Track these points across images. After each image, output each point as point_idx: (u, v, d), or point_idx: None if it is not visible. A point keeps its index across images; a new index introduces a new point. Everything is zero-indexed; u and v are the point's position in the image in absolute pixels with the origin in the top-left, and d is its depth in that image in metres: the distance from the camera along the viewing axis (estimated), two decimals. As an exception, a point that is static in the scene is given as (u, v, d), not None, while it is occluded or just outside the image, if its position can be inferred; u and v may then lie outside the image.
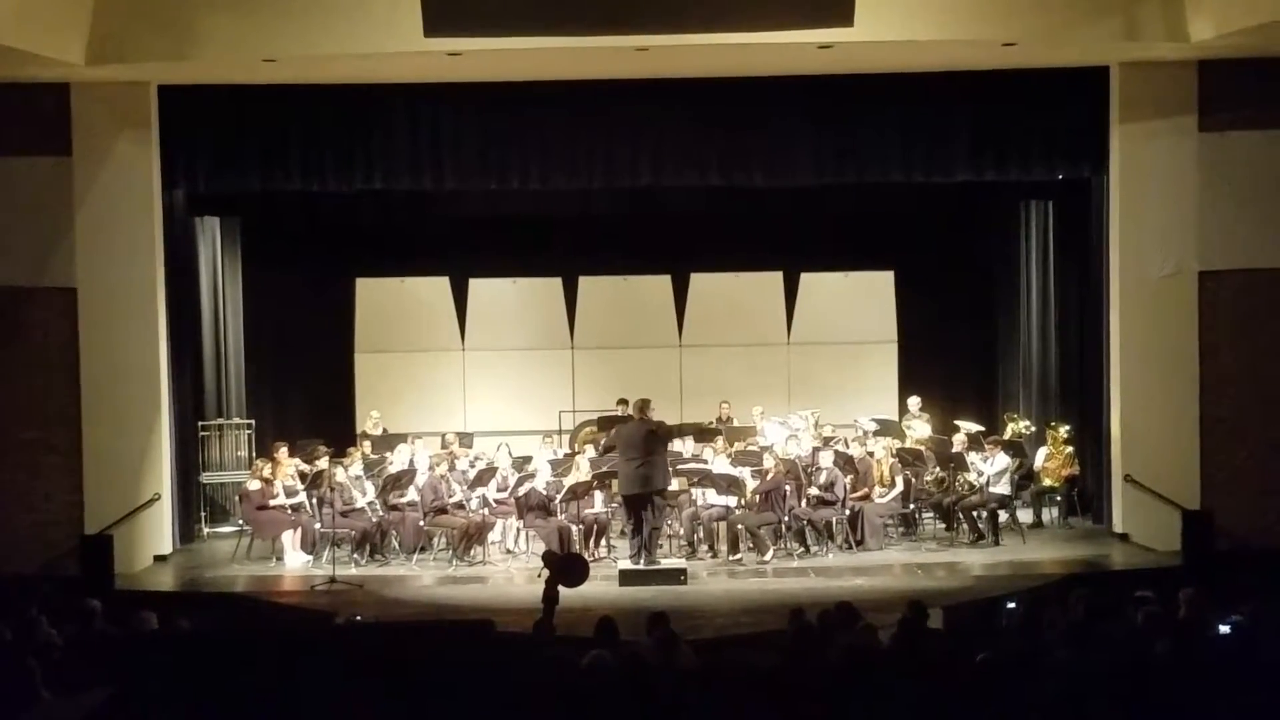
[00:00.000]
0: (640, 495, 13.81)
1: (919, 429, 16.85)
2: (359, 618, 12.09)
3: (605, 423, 16.05)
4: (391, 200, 17.27)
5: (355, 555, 14.96)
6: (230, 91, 15.17)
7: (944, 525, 15.75)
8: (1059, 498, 16.44)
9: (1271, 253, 15.03)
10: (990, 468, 15.33)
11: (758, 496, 14.81)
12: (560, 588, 5.49)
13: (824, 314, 18.43)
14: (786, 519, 14.83)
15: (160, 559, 15.20)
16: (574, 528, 14.75)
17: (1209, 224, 14.99)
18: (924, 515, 15.98)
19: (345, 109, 15.41)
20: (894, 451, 15.67)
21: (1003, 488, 15.37)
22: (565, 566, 5.59)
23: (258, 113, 15.36)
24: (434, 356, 18.39)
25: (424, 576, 14.45)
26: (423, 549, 15.00)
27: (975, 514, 15.36)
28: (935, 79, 15.18)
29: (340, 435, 17.08)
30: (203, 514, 16.77)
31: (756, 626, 11.77)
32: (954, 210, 17.96)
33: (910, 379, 18.15)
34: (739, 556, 14.67)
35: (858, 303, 18.50)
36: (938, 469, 15.84)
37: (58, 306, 15.05)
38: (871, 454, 15.64)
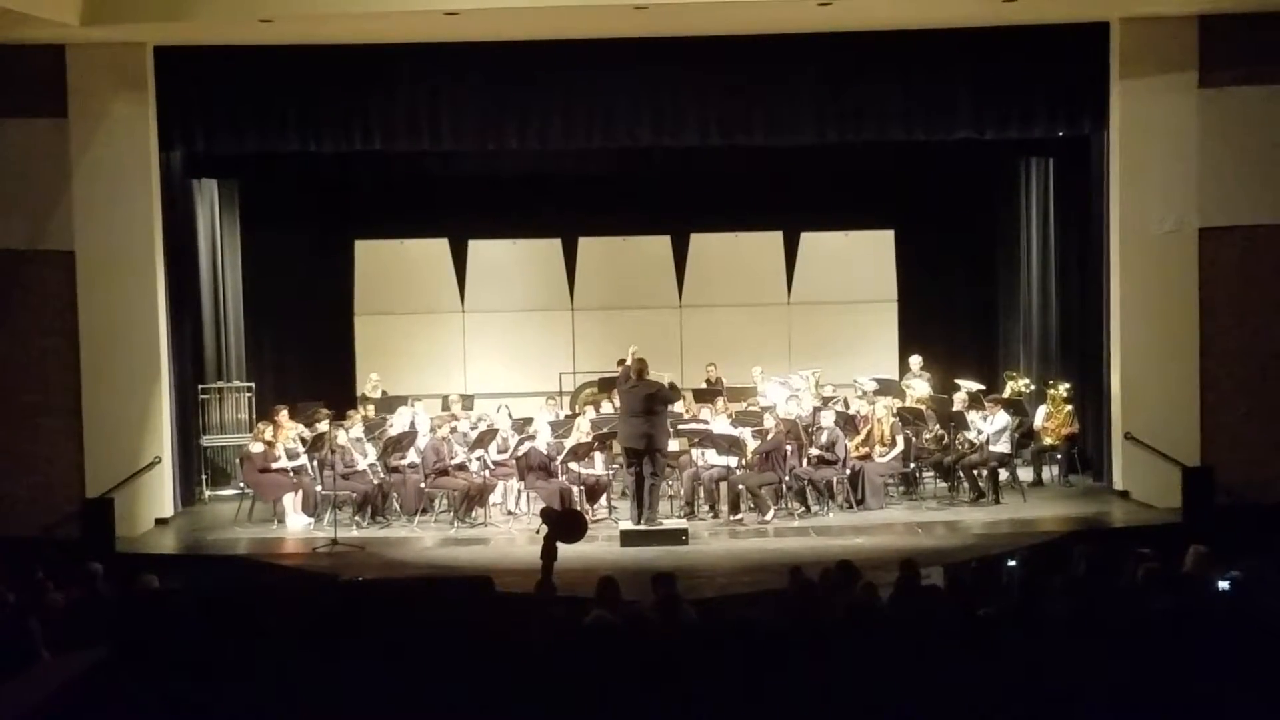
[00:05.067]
0: (639, 450, 13.83)
1: (918, 388, 16.83)
2: (361, 579, 12.10)
3: (606, 384, 16.08)
4: (390, 161, 17.19)
5: (356, 517, 14.98)
6: (227, 52, 15.10)
7: (944, 484, 15.76)
8: (1059, 456, 16.44)
9: (1272, 209, 14.98)
10: (990, 426, 15.33)
11: (758, 456, 14.81)
12: (559, 544, 5.50)
13: (824, 273, 18.41)
14: (787, 479, 14.84)
15: (161, 522, 15.22)
16: (575, 489, 14.76)
17: (1209, 180, 14.94)
18: (924, 474, 16.00)
19: (343, 70, 15.33)
20: (895, 411, 15.66)
21: (1003, 446, 15.37)
22: (563, 523, 5.61)
23: (255, 74, 15.28)
24: (433, 318, 18.38)
25: (425, 538, 14.48)
26: (424, 511, 15.04)
27: (976, 472, 15.36)
28: (935, 36, 15.11)
29: (340, 398, 17.09)
30: (203, 477, 16.78)
31: (757, 586, 11.79)
32: (954, 168, 17.92)
33: (910, 338, 18.13)
34: (740, 516, 14.69)
35: (858, 262, 18.47)
36: (938, 428, 15.84)
37: (56, 269, 15.03)
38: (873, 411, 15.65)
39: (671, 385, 14.73)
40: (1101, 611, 7.97)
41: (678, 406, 15.16)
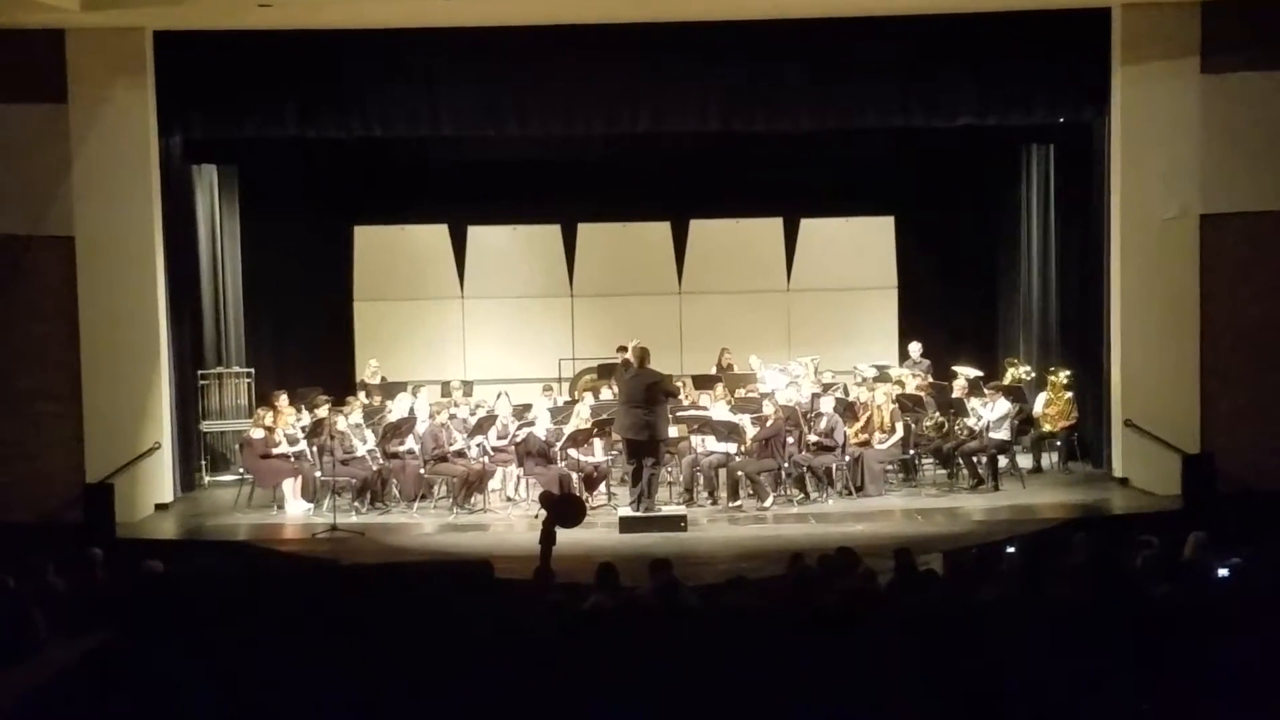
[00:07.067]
0: (640, 442, 13.83)
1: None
2: (342, 562, 12.13)
3: (605, 371, 16.06)
4: (389, 147, 17.18)
5: (356, 503, 14.98)
6: (227, 38, 15.06)
7: (944, 471, 15.75)
8: (1059, 443, 16.43)
9: (1273, 195, 14.94)
10: (991, 413, 15.32)
11: (758, 443, 14.80)
12: (558, 529, 5.49)
13: (824, 260, 18.42)
14: (786, 465, 14.83)
15: (161, 507, 15.21)
16: (574, 475, 14.75)
17: (1211, 167, 14.91)
18: (924, 461, 15.99)
19: (342, 55, 15.27)
20: (894, 397, 15.65)
21: (1002, 433, 15.37)
22: (562, 507, 5.60)
23: (254, 59, 15.23)
24: (433, 304, 18.39)
25: (425, 524, 14.49)
26: (423, 497, 15.03)
27: (975, 459, 15.36)
28: (936, 21, 15.06)
29: (339, 383, 17.09)
30: (203, 462, 16.78)
31: (756, 572, 11.76)
32: (954, 155, 17.87)
33: (910, 325, 18.14)
34: (739, 503, 14.69)
35: (858, 248, 18.48)
36: (937, 414, 15.82)
37: (55, 255, 15.00)
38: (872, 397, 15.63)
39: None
40: (1101, 598, 7.97)
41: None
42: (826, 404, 15.22)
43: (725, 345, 17.30)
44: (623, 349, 15.05)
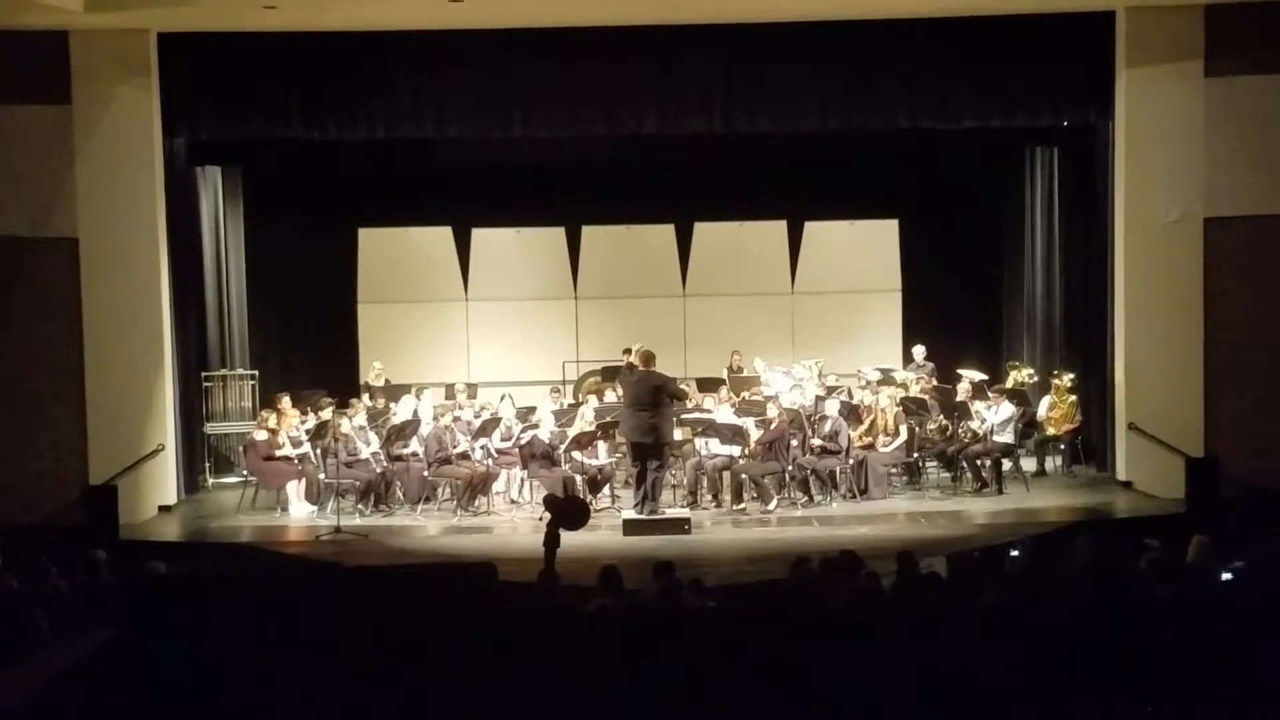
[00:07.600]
0: (644, 444, 13.82)
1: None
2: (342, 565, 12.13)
3: (610, 373, 16.07)
4: (394, 149, 17.16)
5: (360, 506, 14.98)
6: (231, 39, 15.07)
7: (948, 474, 15.74)
8: (1063, 446, 16.41)
9: (1277, 199, 14.93)
10: (995, 416, 15.31)
11: (762, 446, 14.79)
12: (562, 532, 5.49)
13: (828, 262, 18.43)
14: (790, 468, 14.83)
15: (165, 509, 15.21)
16: (578, 478, 14.75)
17: (1215, 170, 14.90)
18: (927, 464, 15.98)
19: (347, 57, 15.28)
20: (898, 400, 15.64)
21: (1006, 436, 15.36)
22: (566, 509, 5.60)
23: (259, 61, 15.25)
24: (437, 307, 18.41)
25: (429, 527, 14.48)
26: (427, 499, 15.03)
27: (979, 462, 15.35)
28: (941, 24, 15.05)
29: (343, 386, 17.11)
30: (207, 464, 16.79)
31: (760, 575, 11.78)
32: (958, 158, 17.88)
33: (914, 328, 18.14)
34: (743, 506, 14.68)
35: (862, 251, 18.49)
36: (941, 418, 15.82)
37: (59, 257, 15.00)
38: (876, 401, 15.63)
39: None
40: (1104, 602, 7.96)
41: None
42: (830, 407, 15.23)
43: (735, 348, 17.30)
44: (628, 351, 15.06)
